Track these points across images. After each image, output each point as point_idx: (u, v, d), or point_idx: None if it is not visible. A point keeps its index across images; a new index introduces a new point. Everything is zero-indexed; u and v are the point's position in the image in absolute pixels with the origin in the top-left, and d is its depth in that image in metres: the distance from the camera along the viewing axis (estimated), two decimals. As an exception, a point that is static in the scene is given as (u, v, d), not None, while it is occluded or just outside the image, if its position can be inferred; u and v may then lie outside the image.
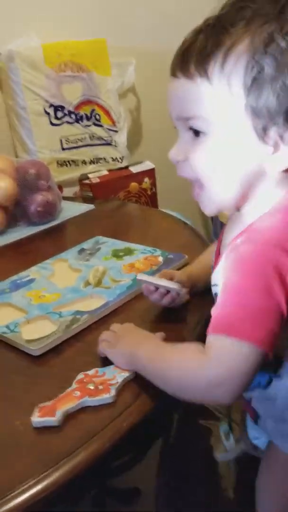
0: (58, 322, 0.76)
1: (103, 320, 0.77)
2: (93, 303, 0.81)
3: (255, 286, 0.52)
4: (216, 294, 0.60)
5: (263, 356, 0.52)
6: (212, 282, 0.63)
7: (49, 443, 0.55)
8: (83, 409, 0.59)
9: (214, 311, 0.55)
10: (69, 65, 1.42)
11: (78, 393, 0.60)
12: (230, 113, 0.54)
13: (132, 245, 1.00)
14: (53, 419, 0.56)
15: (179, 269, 0.85)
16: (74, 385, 0.62)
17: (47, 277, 0.91)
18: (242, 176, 0.57)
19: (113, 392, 0.60)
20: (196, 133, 0.57)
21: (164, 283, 0.73)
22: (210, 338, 0.54)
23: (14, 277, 0.92)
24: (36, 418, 0.57)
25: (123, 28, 1.60)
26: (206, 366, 0.54)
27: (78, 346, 0.72)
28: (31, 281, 0.90)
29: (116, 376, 0.63)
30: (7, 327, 0.76)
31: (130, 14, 1.62)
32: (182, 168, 0.61)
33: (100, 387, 0.61)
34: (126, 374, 0.63)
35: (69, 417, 0.57)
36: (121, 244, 1.01)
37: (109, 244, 1.02)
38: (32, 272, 0.94)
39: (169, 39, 1.66)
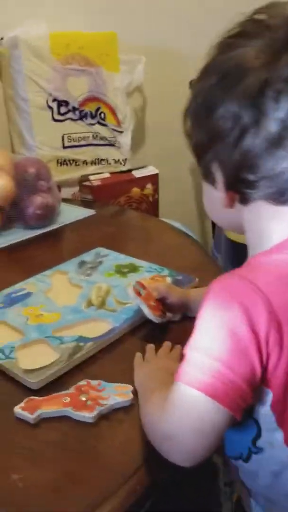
0: (59, 349, 0.68)
1: (108, 348, 0.71)
2: (97, 327, 0.73)
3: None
4: None
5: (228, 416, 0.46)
6: None
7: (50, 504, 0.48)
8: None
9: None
10: (76, 58, 1.33)
11: (67, 399, 0.59)
12: None
13: (137, 261, 0.93)
14: (31, 417, 0.57)
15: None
16: (70, 389, 0.61)
17: (45, 292, 0.84)
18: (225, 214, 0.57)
19: (95, 413, 0.57)
20: None
21: (144, 308, 0.71)
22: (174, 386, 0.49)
23: (9, 290, 0.84)
24: (18, 409, 0.58)
25: (134, 24, 1.52)
26: (162, 416, 0.50)
27: (80, 377, 0.64)
28: (28, 295, 0.83)
29: (111, 397, 0.59)
30: (2, 351, 0.68)
31: (142, 11, 1.53)
32: None
33: (89, 402, 0.58)
34: (120, 400, 0.59)
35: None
36: (124, 259, 0.94)
37: (111, 257, 0.95)
38: (29, 284, 0.86)
39: (179, 39, 1.60)
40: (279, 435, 0.49)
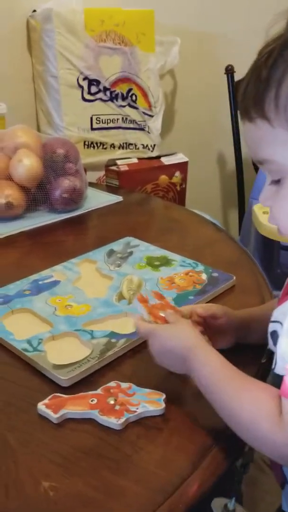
0: (91, 344, 0.64)
1: (141, 346, 0.66)
2: (129, 323, 0.69)
3: None
4: (275, 331, 0.53)
5: None
6: (273, 318, 0.54)
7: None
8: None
9: None
10: (111, 36, 1.27)
11: (94, 400, 0.55)
12: None
13: (169, 254, 0.88)
14: (54, 416, 0.53)
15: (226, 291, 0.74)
16: (98, 390, 0.57)
17: (73, 281, 0.79)
18: None
19: (122, 420, 0.53)
20: (276, 179, 0.50)
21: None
22: (285, 402, 0.45)
23: (35, 276, 0.80)
24: (42, 406, 0.54)
25: (169, 4, 1.46)
26: (283, 440, 0.45)
27: (111, 377, 0.60)
28: (55, 283, 0.78)
29: (141, 404, 0.54)
30: (29, 342, 0.64)
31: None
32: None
33: (117, 407, 0.54)
34: (151, 408, 0.54)
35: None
36: (155, 251, 0.89)
37: (142, 248, 0.90)
38: (56, 272, 0.81)
39: (214, 21, 1.53)
40: None
